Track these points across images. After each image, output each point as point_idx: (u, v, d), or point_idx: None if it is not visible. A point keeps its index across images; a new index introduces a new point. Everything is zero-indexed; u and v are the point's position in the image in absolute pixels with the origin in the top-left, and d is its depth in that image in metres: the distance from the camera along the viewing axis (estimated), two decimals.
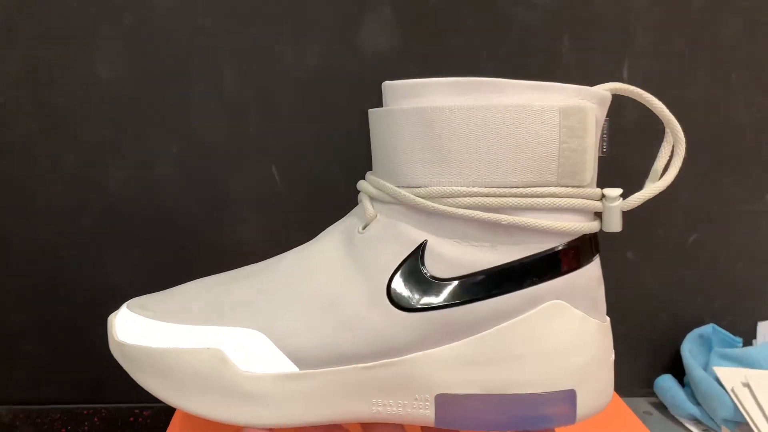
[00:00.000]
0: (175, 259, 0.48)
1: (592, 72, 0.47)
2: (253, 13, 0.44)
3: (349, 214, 0.30)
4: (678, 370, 0.51)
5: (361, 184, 0.29)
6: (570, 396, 0.25)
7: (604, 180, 0.48)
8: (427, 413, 0.25)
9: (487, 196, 0.24)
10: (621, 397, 0.36)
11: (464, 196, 0.24)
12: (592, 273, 0.26)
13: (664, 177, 0.27)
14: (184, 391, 0.26)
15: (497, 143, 0.24)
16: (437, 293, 0.25)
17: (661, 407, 0.50)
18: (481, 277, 0.25)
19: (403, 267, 0.25)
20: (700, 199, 0.50)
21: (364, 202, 0.28)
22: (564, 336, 0.25)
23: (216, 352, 0.26)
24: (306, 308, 0.26)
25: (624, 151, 0.49)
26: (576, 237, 0.25)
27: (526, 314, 0.25)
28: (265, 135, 0.46)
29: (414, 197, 0.25)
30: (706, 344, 0.51)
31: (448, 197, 0.24)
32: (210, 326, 0.27)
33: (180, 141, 0.46)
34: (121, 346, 0.28)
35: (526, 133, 0.24)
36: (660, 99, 0.52)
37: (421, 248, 0.25)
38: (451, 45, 0.46)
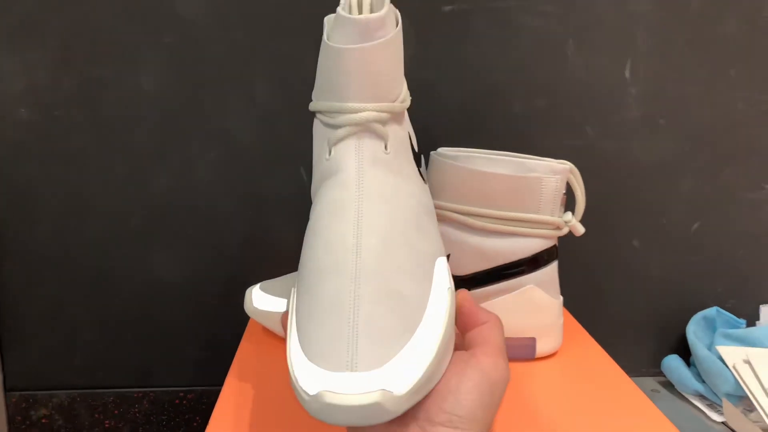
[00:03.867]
0: (215, 253, 0.52)
1: (596, 73, 0.50)
2: (282, 27, 0.48)
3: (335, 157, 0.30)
4: (684, 351, 0.54)
5: (360, 116, 0.29)
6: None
7: (611, 170, 0.51)
8: None
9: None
10: (630, 376, 0.39)
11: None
12: None
13: None
14: None
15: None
16: None
17: (668, 385, 0.54)
18: None
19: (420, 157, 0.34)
20: (702, 189, 0.53)
21: (375, 127, 0.29)
22: None
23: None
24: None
25: (628, 146, 0.52)
26: None
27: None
28: (294, 139, 0.50)
29: (401, 105, 0.31)
30: (710, 326, 0.53)
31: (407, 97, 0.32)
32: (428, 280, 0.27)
33: (218, 146, 0.50)
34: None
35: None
36: (661, 95, 0.55)
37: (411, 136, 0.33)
38: (463, 51, 0.49)
